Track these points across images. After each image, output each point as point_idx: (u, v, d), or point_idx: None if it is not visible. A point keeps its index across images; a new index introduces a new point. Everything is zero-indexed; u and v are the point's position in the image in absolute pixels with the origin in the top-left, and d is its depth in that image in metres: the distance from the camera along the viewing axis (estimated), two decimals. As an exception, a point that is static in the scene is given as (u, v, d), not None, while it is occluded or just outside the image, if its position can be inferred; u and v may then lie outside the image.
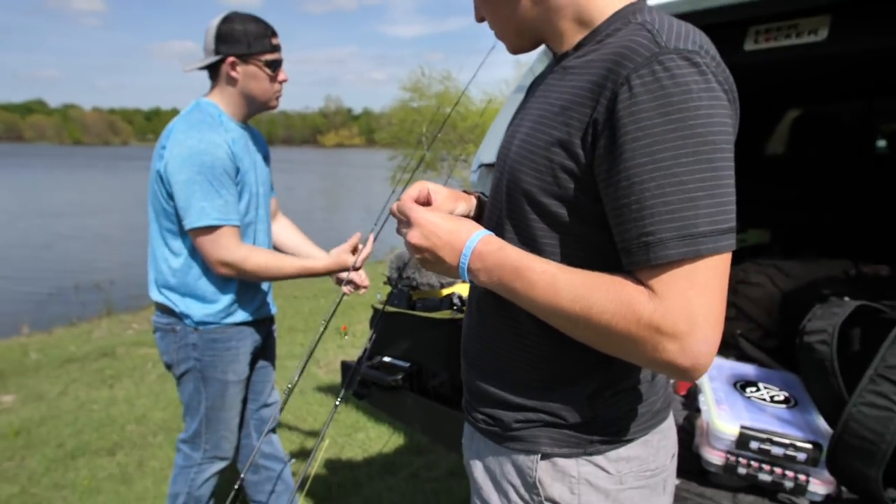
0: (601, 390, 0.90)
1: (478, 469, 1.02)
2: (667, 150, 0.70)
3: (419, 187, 0.98)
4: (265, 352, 2.09)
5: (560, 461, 0.90)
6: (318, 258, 1.93)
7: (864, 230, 3.07)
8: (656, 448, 0.94)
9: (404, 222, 0.92)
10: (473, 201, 1.06)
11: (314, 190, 29.60)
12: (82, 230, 14.80)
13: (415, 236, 0.88)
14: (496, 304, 0.95)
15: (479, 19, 0.99)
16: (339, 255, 1.86)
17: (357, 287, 2.00)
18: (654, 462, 0.93)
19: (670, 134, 0.70)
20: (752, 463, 1.25)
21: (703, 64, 0.72)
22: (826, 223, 2.70)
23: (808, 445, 1.21)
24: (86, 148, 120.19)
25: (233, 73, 1.77)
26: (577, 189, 0.80)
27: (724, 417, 1.29)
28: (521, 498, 0.94)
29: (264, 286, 2.01)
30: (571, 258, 0.83)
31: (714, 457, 1.28)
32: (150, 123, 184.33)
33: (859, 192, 2.72)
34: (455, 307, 1.87)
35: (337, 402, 1.66)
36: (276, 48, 1.81)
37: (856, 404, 1.16)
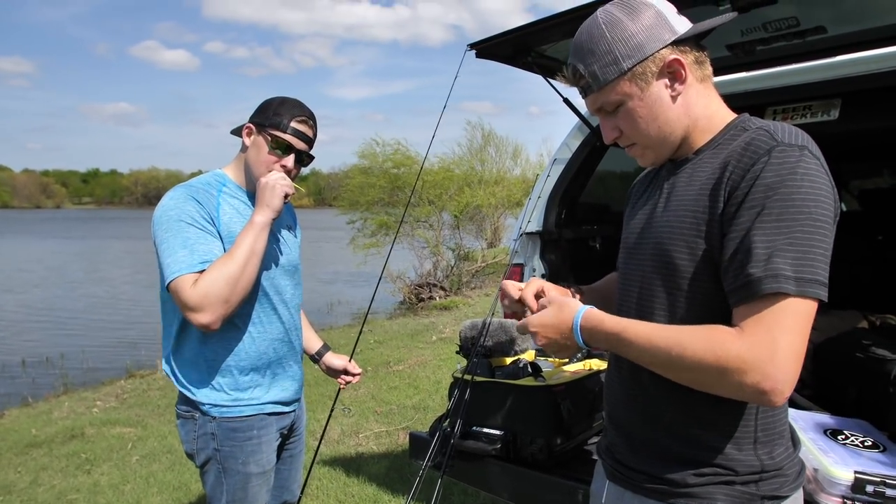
0: (759, 434, 1.01)
1: None
2: (771, 213, 0.90)
3: (536, 285, 1.23)
4: (292, 438, 1.91)
5: None
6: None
7: (853, 281, 3.38)
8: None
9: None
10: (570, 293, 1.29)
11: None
12: (18, 302, 13.71)
13: (539, 340, 1.11)
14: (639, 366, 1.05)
15: (612, 140, 1.11)
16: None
17: (352, 375, 2.02)
18: None
19: (776, 202, 0.90)
20: (869, 506, 1.36)
21: (808, 152, 0.93)
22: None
23: (918, 486, 1.34)
24: (14, 212, 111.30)
25: (245, 139, 1.72)
26: (715, 251, 0.98)
27: (837, 465, 1.40)
28: None
29: (290, 373, 1.82)
30: (712, 302, 0.98)
31: (831, 502, 1.38)
32: (87, 186, 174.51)
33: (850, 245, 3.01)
34: (531, 374, 1.92)
35: (441, 477, 1.66)
36: (297, 134, 1.70)
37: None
